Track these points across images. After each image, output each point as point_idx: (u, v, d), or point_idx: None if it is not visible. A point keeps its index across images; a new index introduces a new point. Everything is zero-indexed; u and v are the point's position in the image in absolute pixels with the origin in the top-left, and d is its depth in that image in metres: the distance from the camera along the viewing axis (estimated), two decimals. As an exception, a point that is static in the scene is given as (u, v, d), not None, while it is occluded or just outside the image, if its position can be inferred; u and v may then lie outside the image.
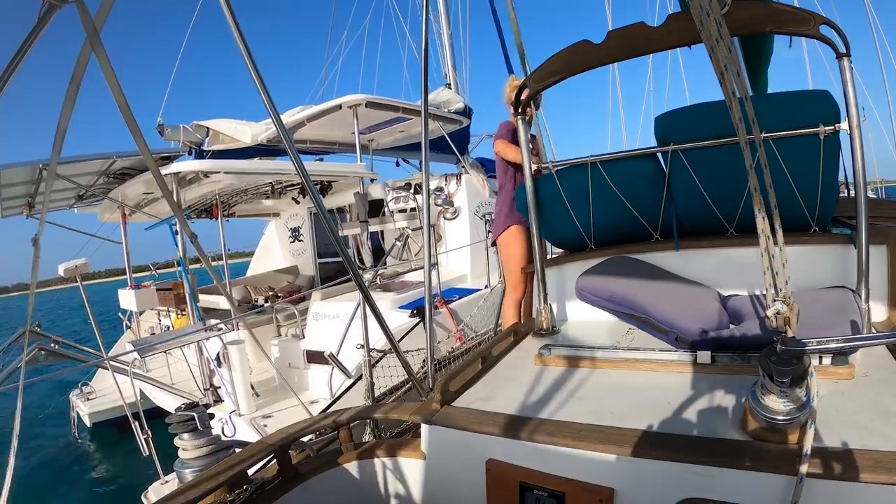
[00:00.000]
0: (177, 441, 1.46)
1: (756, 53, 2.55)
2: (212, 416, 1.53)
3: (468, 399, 1.51)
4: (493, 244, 3.44)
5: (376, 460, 1.53)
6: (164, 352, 4.50)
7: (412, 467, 1.47)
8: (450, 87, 8.56)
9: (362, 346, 3.76)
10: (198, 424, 1.45)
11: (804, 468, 0.93)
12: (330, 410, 2.03)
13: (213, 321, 4.94)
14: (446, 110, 7.78)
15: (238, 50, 1.25)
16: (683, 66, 12.33)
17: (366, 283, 3.79)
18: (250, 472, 1.39)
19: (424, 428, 1.42)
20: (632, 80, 14.59)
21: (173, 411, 1.50)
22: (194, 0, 8.15)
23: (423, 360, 4.01)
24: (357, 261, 7.56)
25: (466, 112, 7.90)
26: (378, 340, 4.09)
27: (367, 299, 1.72)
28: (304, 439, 1.53)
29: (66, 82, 1.24)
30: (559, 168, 2.11)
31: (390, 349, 3.98)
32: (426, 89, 2.10)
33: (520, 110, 2.05)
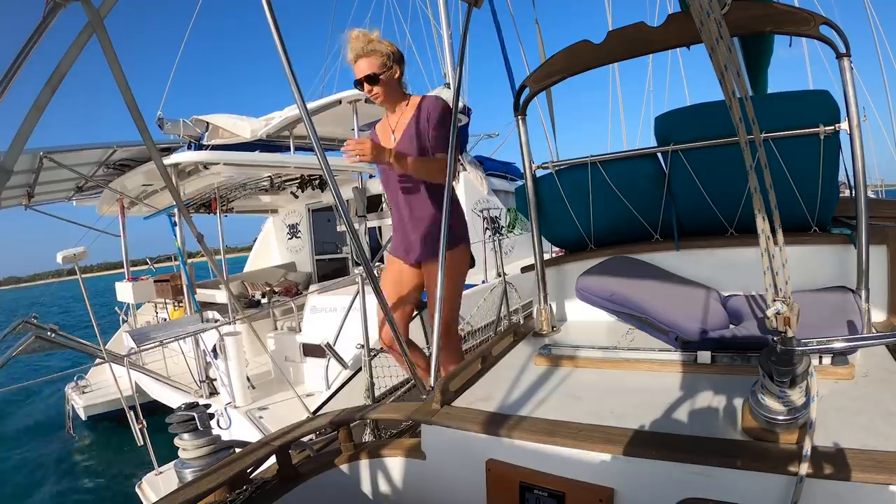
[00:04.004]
0: (177, 441, 1.46)
1: (756, 53, 2.55)
2: (211, 416, 1.52)
3: (468, 399, 1.51)
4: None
5: (376, 460, 1.52)
6: (161, 343, 4.49)
7: (412, 467, 1.47)
8: (449, 87, 8.53)
9: (362, 347, 3.74)
10: (198, 424, 1.44)
11: (804, 468, 0.93)
12: (330, 410, 2.00)
13: (210, 313, 4.94)
14: (445, 109, 7.73)
15: (273, 44, 1.24)
16: (683, 66, 12.37)
17: (363, 280, 3.77)
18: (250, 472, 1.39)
19: (424, 428, 1.42)
20: (632, 80, 14.62)
21: (173, 407, 1.50)
22: (194, -4, 8.16)
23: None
24: (354, 257, 7.57)
25: (465, 111, 7.90)
26: (377, 340, 4.07)
27: (376, 291, 1.66)
28: (304, 439, 1.53)
29: (69, 81, 1.21)
30: (559, 168, 2.11)
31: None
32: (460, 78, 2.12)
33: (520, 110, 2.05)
